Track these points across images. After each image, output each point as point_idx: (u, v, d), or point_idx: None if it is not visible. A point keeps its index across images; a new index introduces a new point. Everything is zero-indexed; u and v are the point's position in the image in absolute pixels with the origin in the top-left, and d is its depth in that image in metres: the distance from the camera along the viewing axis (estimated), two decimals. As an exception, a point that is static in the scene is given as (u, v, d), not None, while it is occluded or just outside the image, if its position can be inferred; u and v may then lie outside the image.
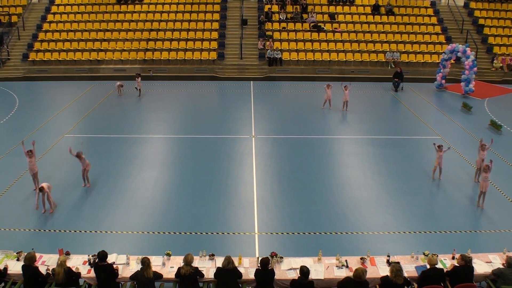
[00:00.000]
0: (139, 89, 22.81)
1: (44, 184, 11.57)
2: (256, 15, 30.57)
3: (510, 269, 8.22)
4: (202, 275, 8.23)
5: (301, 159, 15.34)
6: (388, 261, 8.71)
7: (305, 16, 30.35)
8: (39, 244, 9.99)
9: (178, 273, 8.13)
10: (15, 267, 8.49)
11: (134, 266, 8.51)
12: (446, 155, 13.65)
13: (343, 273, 8.39)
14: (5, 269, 8.37)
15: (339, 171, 14.58)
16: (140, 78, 22.85)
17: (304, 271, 7.86)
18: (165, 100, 22.34)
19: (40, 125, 18.30)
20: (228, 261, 8.07)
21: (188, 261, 8.08)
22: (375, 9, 30.81)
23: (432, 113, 21.10)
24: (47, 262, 8.66)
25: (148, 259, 8.10)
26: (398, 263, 8.66)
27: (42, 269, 8.28)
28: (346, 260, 8.75)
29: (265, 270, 8.05)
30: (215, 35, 29.00)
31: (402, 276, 7.75)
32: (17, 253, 8.88)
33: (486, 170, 11.88)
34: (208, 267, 8.55)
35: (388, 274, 7.91)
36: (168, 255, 8.85)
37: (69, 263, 8.39)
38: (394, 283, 7.73)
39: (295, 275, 8.18)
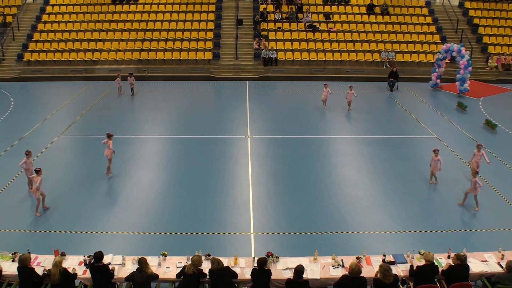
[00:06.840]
0: (132, 88, 22.81)
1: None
2: (252, 15, 30.58)
3: (508, 273, 8.17)
4: (205, 275, 8.19)
5: (297, 159, 15.34)
6: (383, 261, 8.72)
7: (300, 16, 30.38)
8: (34, 244, 9.99)
9: (182, 272, 8.12)
10: (10, 268, 8.44)
11: (130, 267, 8.50)
12: (442, 155, 13.65)
13: (339, 273, 8.39)
14: (0, 270, 8.32)
15: (335, 171, 14.60)
16: (132, 76, 22.83)
17: (298, 270, 7.86)
18: (161, 100, 22.29)
19: (35, 126, 18.21)
20: (217, 262, 8.04)
21: (197, 263, 8.07)
22: (370, 9, 30.88)
23: (427, 112, 21.17)
24: (42, 263, 8.62)
25: (145, 259, 8.10)
26: (394, 262, 8.70)
27: (38, 270, 8.24)
28: (342, 260, 8.77)
29: (261, 270, 8.05)
30: (210, 35, 28.98)
31: (391, 275, 7.74)
32: (12, 254, 8.83)
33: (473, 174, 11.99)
34: (204, 267, 8.52)
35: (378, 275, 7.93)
36: (164, 255, 8.83)
37: (65, 264, 8.35)
38: (384, 283, 7.74)
39: (291, 275, 8.17)
